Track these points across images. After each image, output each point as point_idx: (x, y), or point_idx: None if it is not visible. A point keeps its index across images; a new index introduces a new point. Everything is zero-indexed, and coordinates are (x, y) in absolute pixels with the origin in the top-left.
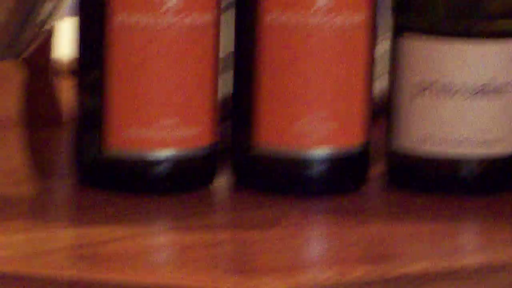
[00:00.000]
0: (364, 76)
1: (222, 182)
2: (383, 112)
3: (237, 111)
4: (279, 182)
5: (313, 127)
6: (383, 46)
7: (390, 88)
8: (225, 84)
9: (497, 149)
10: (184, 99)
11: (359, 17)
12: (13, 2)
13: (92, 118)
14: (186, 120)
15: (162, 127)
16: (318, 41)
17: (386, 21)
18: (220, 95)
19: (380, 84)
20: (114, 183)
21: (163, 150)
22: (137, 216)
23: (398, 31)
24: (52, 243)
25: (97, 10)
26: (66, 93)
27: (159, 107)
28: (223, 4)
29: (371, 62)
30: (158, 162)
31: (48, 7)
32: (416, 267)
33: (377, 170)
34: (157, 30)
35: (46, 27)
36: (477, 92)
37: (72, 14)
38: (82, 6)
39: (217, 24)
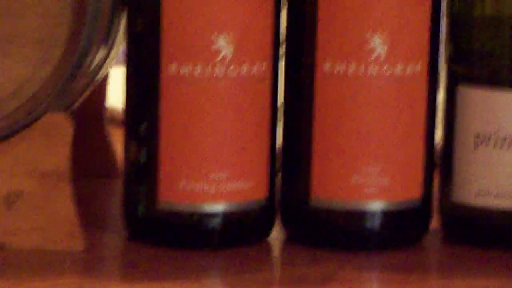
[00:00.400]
0: (424, 127)
1: (275, 236)
2: None
3: (289, 163)
4: (335, 236)
5: (369, 180)
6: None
7: (445, 139)
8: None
9: None
10: (237, 152)
11: (417, 67)
12: (60, 54)
13: (142, 170)
14: (239, 174)
15: (213, 180)
16: (375, 91)
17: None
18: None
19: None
20: (166, 237)
21: (215, 204)
22: (189, 271)
23: (455, 81)
24: None
25: (148, 59)
26: (121, 143)
27: (210, 160)
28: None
29: (431, 112)
30: (210, 216)
31: (99, 56)
32: None
33: (434, 223)
34: (210, 81)
35: (98, 77)
36: None
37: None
38: (131, 54)
39: (273, 74)
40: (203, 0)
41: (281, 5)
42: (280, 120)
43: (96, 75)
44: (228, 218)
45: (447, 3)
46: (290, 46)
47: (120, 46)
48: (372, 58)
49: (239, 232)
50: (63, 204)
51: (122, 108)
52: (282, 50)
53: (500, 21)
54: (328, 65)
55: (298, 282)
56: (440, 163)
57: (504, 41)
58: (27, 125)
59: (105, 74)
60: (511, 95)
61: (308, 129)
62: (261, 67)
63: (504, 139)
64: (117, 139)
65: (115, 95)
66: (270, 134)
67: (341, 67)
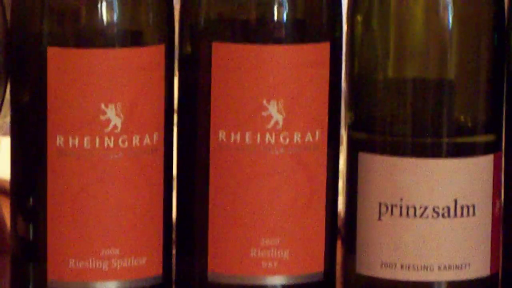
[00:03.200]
0: (326, 197)
1: None
2: None
3: (184, 237)
4: None
5: (268, 254)
6: None
7: (348, 209)
8: None
9: (465, 274)
10: (129, 227)
11: (315, 136)
12: None
13: (30, 247)
14: (132, 250)
15: (105, 257)
16: (271, 161)
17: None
18: None
19: None
20: None
21: (107, 282)
22: None
23: (356, 148)
24: None
25: (33, 131)
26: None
27: (101, 236)
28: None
29: (332, 181)
30: None
31: None
32: None
33: None
34: (99, 153)
35: None
36: (442, 214)
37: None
38: (16, 125)
39: (166, 144)
40: (90, 70)
41: (174, 73)
42: None
43: None
44: None
45: (348, 68)
46: (183, 115)
47: (7, 116)
48: (268, 127)
49: None
50: None
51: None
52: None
53: (402, 84)
54: (222, 134)
55: None
56: (344, 233)
57: (406, 106)
58: None
59: None
60: (415, 162)
61: (203, 201)
62: (153, 138)
63: (409, 207)
64: (7, 211)
65: (5, 165)
66: (164, 207)
67: (236, 136)
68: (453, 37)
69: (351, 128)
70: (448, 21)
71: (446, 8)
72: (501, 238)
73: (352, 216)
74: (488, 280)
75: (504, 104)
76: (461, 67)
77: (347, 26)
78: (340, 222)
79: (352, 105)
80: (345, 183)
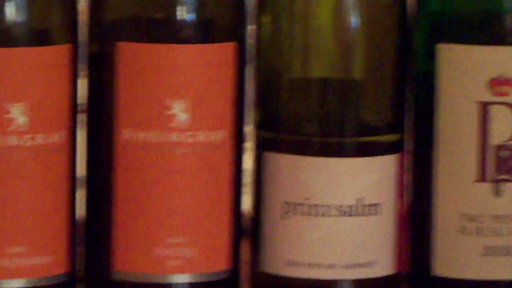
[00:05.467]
0: (231, 196)
1: None
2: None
3: (91, 235)
4: None
5: (173, 252)
6: None
7: (254, 207)
8: None
9: (370, 273)
10: (33, 226)
11: (220, 135)
12: None
13: None
14: (37, 248)
15: (10, 255)
16: (177, 159)
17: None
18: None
19: None
20: None
21: (13, 280)
22: None
23: (262, 147)
24: None
25: None
26: None
27: (6, 235)
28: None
29: (238, 181)
30: None
31: None
32: None
33: None
34: (2, 151)
35: None
36: (346, 213)
37: None
38: None
39: (71, 143)
40: None
41: (80, 73)
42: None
43: None
44: None
45: (255, 69)
46: (91, 114)
47: None
48: (172, 126)
49: None
50: None
51: None
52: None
53: (308, 84)
54: (127, 133)
55: None
56: (250, 232)
57: (311, 105)
58: None
59: None
60: (320, 161)
61: (108, 200)
62: (58, 137)
63: (314, 206)
64: None
65: None
66: (69, 205)
67: (141, 135)
68: (358, 38)
69: (257, 127)
70: (353, 22)
71: (351, 9)
72: (406, 236)
73: (258, 214)
74: (393, 279)
75: (413, 103)
76: (366, 68)
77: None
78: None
79: (259, 105)
80: (252, 183)
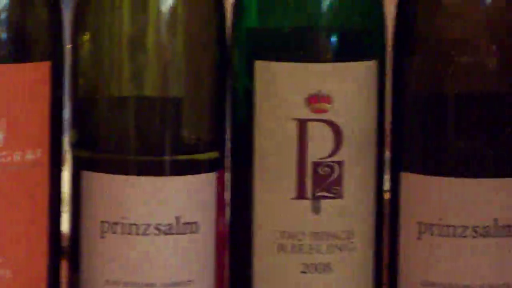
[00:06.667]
0: (48, 215)
1: None
2: None
3: None
4: None
5: None
6: None
7: (72, 227)
8: None
9: None
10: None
11: (36, 154)
12: None
13: None
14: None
15: None
16: None
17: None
18: None
19: None
20: None
21: None
22: None
23: (79, 166)
24: None
25: None
26: None
27: None
28: None
29: (55, 200)
30: None
31: None
32: None
33: None
34: None
35: None
36: (164, 232)
37: None
38: None
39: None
40: None
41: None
42: None
43: None
44: None
45: (71, 87)
46: None
47: None
48: None
49: None
50: None
51: None
52: None
53: (125, 103)
54: None
55: None
56: (69, 252)
57: (129, 124)
58: None
59: None
60: (137, 180)
61: None
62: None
63: (133, 225)
64: None
65: None
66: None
67: None
68: (174, 55)
69: (74, 146)
70: (169, 39)
71: (167, 25)
72: (226, 255)
73: (76, 234)
74: None
75: (233, 121)
76: (184, 85)
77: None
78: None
79: (75, 124)
80: (70, 202)
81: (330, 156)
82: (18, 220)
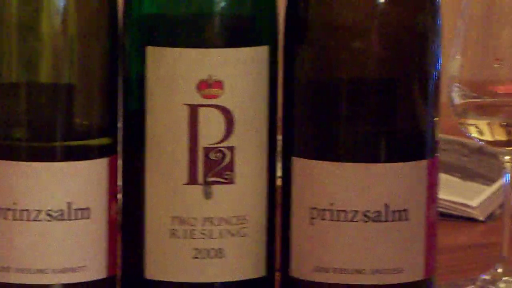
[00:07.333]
0: None
1: None
2: None
3: None
4: None
5: None
6: None
7: None
8: None
9: (81, 277)
10: None
11: None
12: None
13: None
14: None
15: None
16: None
17: None
18: None
19: None
20: None
21: None
22: None
23: None
24: None
25: None
26: None
27: None
28: None
29: None
30: None
31: None
32: None
33: None
34: None
35: None
36: (56, 217)
37: None
38: None
39: None
40: None
41: None
42: None
43: None
44: None
45: None
46: None
47: None
48: None
49: None
50: None
51: None
52: None
53: (15, 89)
54: None
55: None
56: None
57: (20, 110)
58: None
59: None
60: (27, 166)
61: None
62: None
63: (24, 211)
64: None
65: None
66: None
67: None
68: (65, 41)
69: None
70: (60, 25)
71: (58, 11)
72: (117, 240)
73: None
74: (106, 282)
75: (125, 106)
76: (76, 71)
77: None
78: None
79: None
80: None
81: (221, 141)
82: None
